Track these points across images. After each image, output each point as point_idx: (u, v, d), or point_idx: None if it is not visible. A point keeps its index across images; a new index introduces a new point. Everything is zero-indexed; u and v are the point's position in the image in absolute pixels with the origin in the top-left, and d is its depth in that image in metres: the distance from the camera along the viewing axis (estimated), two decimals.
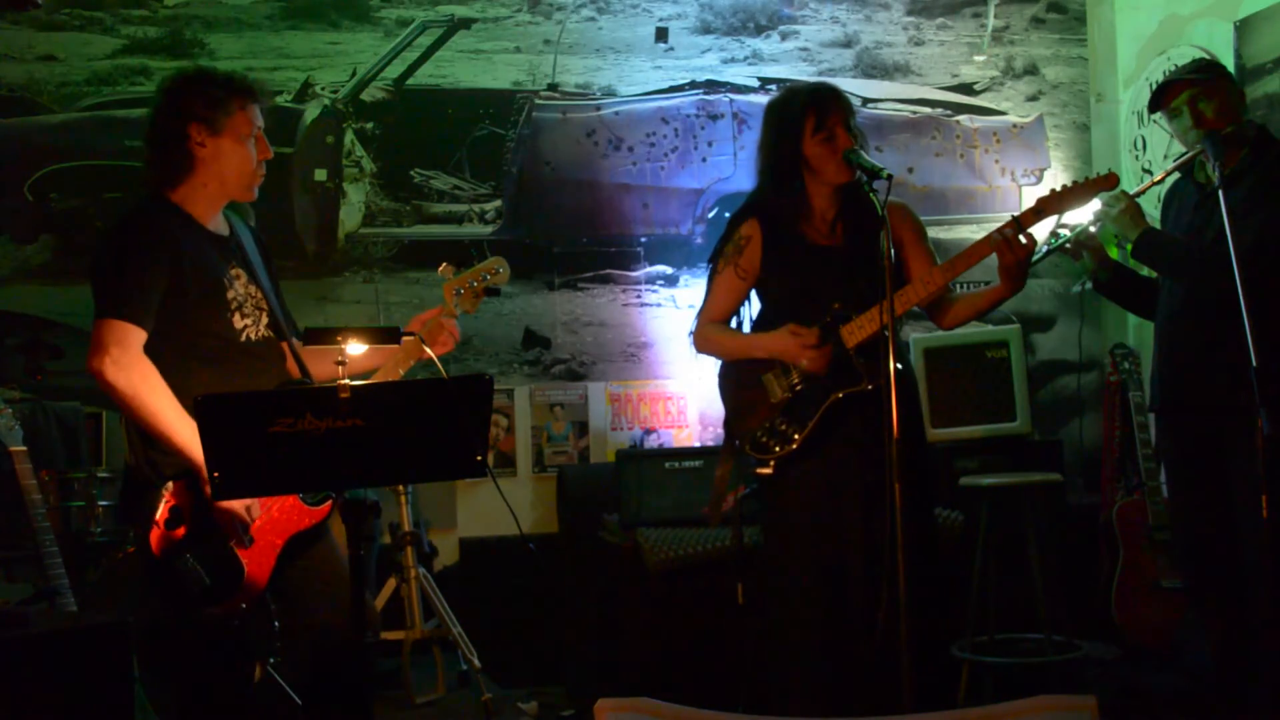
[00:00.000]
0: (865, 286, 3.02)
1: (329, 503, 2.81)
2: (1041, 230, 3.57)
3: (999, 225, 3.00)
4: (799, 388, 3.07)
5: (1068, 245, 3.54)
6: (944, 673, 3.86)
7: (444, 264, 3.06)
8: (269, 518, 2.72)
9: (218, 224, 2.87)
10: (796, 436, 3.04)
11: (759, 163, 3.22)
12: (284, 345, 2.92)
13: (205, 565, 2.62)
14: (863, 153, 3.02)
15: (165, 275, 2.70)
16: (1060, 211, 3.07)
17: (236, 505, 2.64)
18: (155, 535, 2.59)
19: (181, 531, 2.60)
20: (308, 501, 2.77)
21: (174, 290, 2.71)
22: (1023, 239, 2.95)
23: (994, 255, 3.01)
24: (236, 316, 2.81)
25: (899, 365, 2.76)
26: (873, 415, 2.93)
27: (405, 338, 2.87)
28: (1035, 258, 3.62)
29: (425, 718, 4.20)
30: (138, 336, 2.65)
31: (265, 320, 2.87)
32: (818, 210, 3.17)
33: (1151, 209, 3.84)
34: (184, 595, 2.62)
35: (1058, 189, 3.02)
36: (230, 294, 2.80)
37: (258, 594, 2.71)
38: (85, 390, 4.14)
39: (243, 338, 2.81)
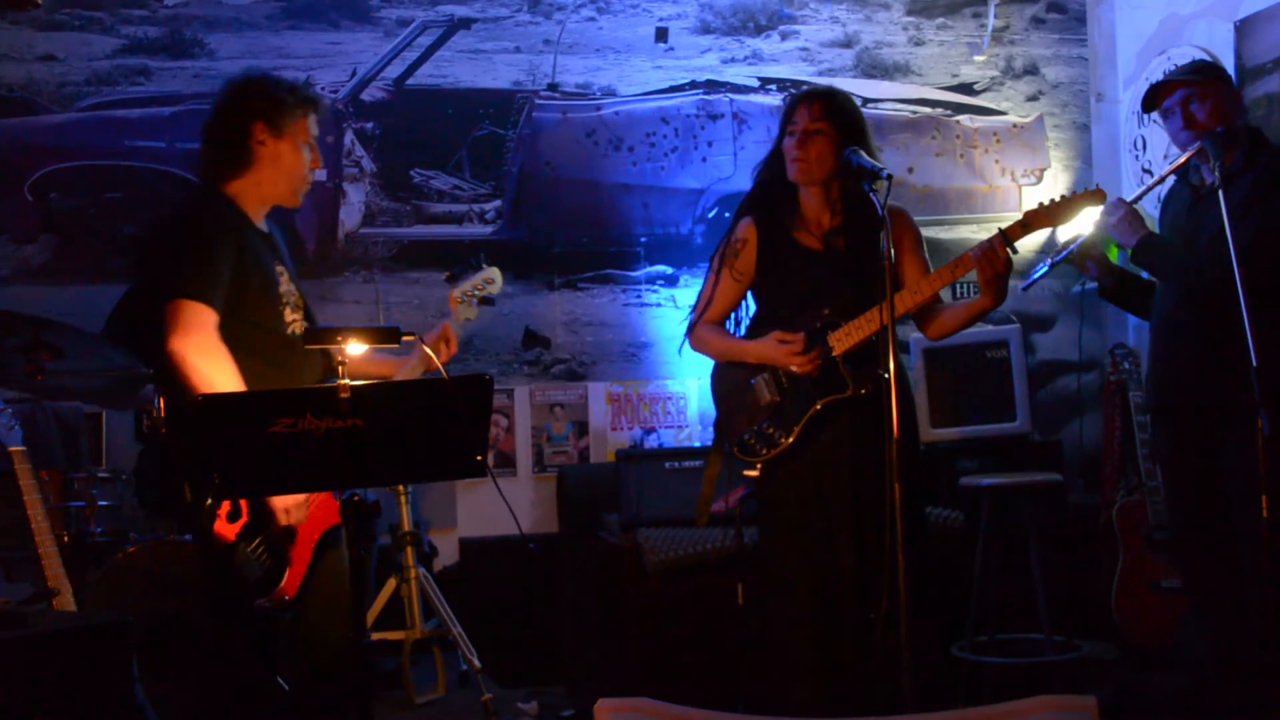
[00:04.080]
0: (857, 292, 3.04)
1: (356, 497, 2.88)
2: (1040, 235, 3.58)
3: (992, 233, 3.01)
4: (786, 392, 3.09)
5: (1072, 257, 3.54)
6: (943, 672, 3.86)
7: (447, 273, 3.21)
8: (307, 513, 2.78)
9: (262, 223, 2.97)
10: (783, 440, 3.06)
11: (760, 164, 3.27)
12: None
13: (259, 557, 2.70)
14: (863, 153, 3.03)
15: (230, 263, 2.77)
16: (1048, 226, 3.08)
17: (286, 500, 2.70)
18: (218, 527, 2.65)
19: (240, 524, 2.66)
20: (339, 497, 2.82)
21: (236, 280, 2.77)
22: (1000, 253, 2.95)
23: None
24: (287, 310, 2.89)
25: (885, 374, 2.75)
26: (862, 419, 2.95)
27: (413, 339, 2.89)
28: (1039, 273, 3.64)
29: (425, 718, 4.20)
30: (213, 318, 2.71)
31: (303, 316, 2.96)
32: (812, 213, 3.18)
33: (1153, 211, 3.84)
34: (241, 586, 2.69)
35: (1045, 203, 3.04)
36: (281, 288, 2.89)
37: (299, 586, 2.77)
38: (85, 390, 4.14)
39: (289, 331, 2.89)
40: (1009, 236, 2.98)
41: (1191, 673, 3.93)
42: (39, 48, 4.85)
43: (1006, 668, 4.03)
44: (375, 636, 4.21)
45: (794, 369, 3.05)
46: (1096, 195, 3.05)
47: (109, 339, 3.90)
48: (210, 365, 2.66)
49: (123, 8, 4.92)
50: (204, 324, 2.69)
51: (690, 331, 3.29)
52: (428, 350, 2.90)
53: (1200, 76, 3.41)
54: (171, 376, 2.69)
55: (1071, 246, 3.52)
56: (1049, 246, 3.65)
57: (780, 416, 3.09)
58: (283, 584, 2.73)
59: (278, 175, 2.89)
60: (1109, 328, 5.49)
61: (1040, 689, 3.60)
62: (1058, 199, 3.04)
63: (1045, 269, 3.63)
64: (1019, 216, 3.07)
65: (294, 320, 2.91)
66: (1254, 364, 2.92)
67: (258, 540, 2.70)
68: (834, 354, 3.03)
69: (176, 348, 2.66)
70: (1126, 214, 3.43)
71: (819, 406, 3.04)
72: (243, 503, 2.66)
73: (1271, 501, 2.93)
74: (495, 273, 3.23)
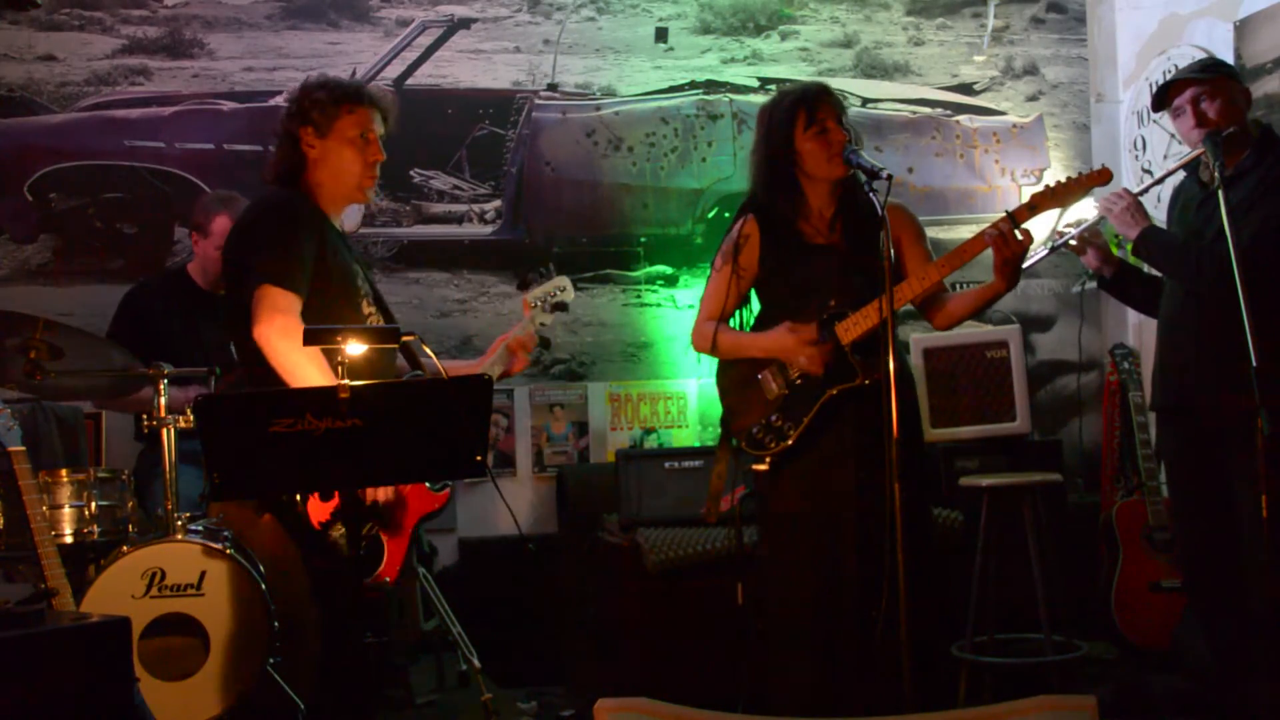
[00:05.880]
0: (862, 284, 3.04)
1: (447, 490, 2.97)
2: (1042, 227, 3.57)
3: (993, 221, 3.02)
4: (798, 382, 3.09)
5: (1072, 242, 3.54)
6: (944, 673, 3.86)
7: (518, 280, 3.37)
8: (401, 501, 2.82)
9: (338, 221, 3.05)
10: (792, 433, 3.06)
11: (753, 162, 3.24)
12: None
13: (354, 538, 2.68)
14: (861, 152, 3.03)
15: (312, 254, 2.84)
16: (1055, 207, 3.07)
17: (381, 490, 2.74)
18: (310, 508, 2.68)
19: (334, 504, 2.69)
20: (431, 487, 2.86)
21: (318, 274, 2.84)
22: (1018, 234, 2.95)
23: (989, 253, 3.02)
24: (364, 304, 2.96)
25: (890, 363, 2.76)
26: (868, 412, 2.95)
27: (413, 339, 2.91)
28: (1040, 255, 3.64)
29: (425, 718, 4.20)
30: (297, 304, 2.77)
31: (377, 310, 3.03)
32: (815, 208, 3.18)
33: (1152, 208, 3.84)
34: (337, 563, 2.70)
35: (1052, 185, 3.03)
36: (359, 283, 2.97)
37: (397, 571, 2.82)
38: (85, 390, 4.14)
39: (368, 325, 2.95)
40: (1016, 219, 2.98)
41: (1191, 673, 3.93)
42: (39, 48, 4.85)
43: (1006, 668, 4.03)
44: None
45: (803, 361, 3.05)
46: (1103, 175, 3.03)
47: (113, 340, 3.90)
48: (295, 350, 2.69)
49: (123, 8, 4.92)
50: (288, 309, 2.75)
51: (694, 330, 3.29)
52: (431, 351, 2.91)
53: (1210, 74, 3.40)
54: (258, 362, 2.76)
55: (1072, 232, 3.52)
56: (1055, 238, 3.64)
57: (788, 409, 3.08)
58: (382, 567, 2.77)
59: (333, 174, 2.98)
60: (1109, 328, 5.49)
61: (1040, 689, 3.60)
62: (1064, 180, 3.03)
63: (1045, 252, 3.63)
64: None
65: (371, 313, 2.99)
66: (1254, 364, 2.92)
67: (355, 519, 2.72)
68: (842, 343, 3.04)
69: (261, 334, 2.72)
70: (1129, 205, 3.43)
71: (835, 392, 3.04)
72: None
73: (1272, 501, 2.93)
74: (565, 280, 3.37)
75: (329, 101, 2.96)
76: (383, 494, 2.75)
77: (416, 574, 4.27)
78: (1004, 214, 3.00)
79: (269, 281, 2.75)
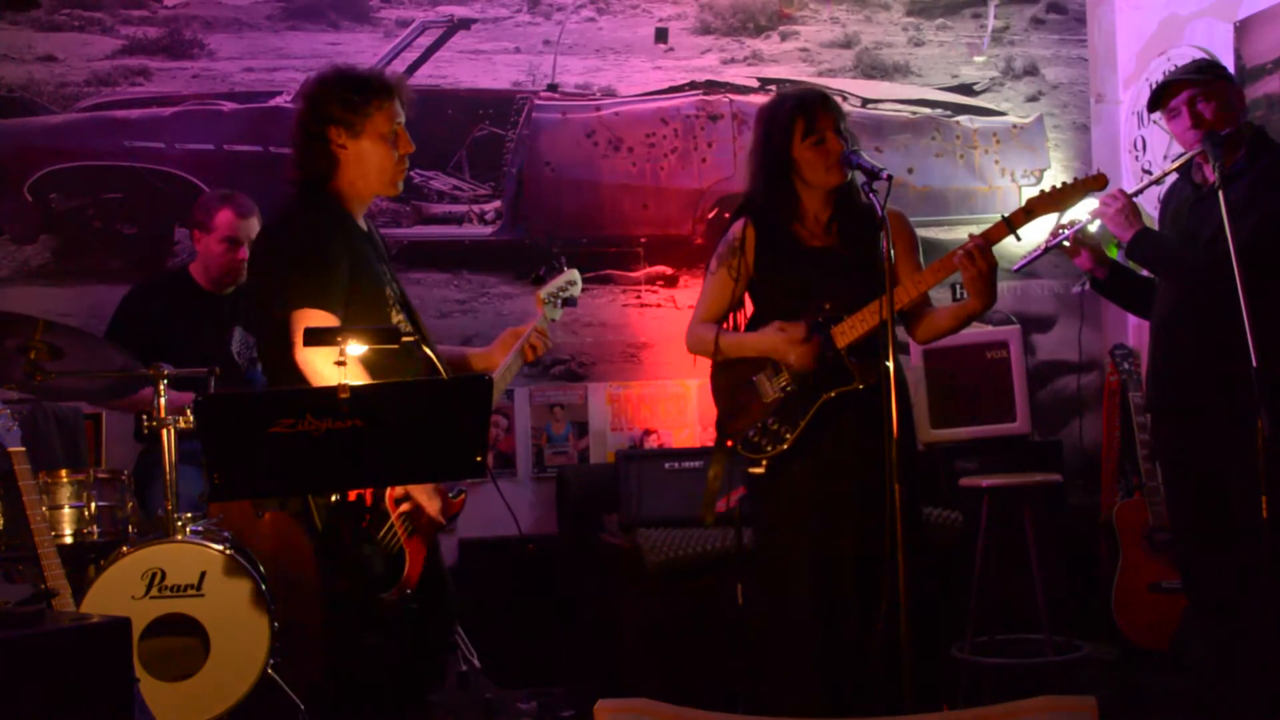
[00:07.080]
0: (857, 287, 3.04)
1: (463, 495, 2.89)
2: (1041, 229, 3.58)
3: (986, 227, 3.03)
4: (789, 389, 3.09)
5: (1067, 243, 3.55)
6: (943, 672, 3.86)
7: (533, 274, 3.25)
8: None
9: (362, 221, 2.96)
10: (788, 436, 3.07)
11: (750, 166, 3.25)
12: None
13: (379, 554, 2.68)
14: (861, 153, 3.04)
15: (347, 269, 2.76)
16: (1051, 211, 3.09)
17: (427, 501, 2.69)
18: (344, 528, 2.62)
19: (365, 521, 2.64)
20: (452, 494, 2.84)
21: (350, 288, 2.76)
22: (983, 255, 2.96)
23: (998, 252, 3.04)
24: (393, 313, 2.87)
25: (888, 364, 2.77)
26: (865, 415, 2.96)
27: (413, 340, 2.89)
28: (1033, 256, 3.65)
29: (425, 718, 4.20)
30: (335, 325, 2.69)
31: (404, 316, 2.93)
32: (810, 212, 3.19)
33: (1151, 209, 3.85)
34: (361, 579, 2.66)
35: (1048, 190, 3.05)
36: (388, 290, 2.87)
37: (414, 584, 2.76)
38: (85, 390, 4.14)
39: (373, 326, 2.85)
40: (1013, 223, 3.00)
41: (1191, 673, 3.94)
42: (39, 48, 4.85)
43: (1006, 668, 4.03)
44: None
45: (791, 360, 3.05)
46: (1099, 180, 3.06)
47: (113, 340, 3.89)
48: (339, 373, 2.64)
49: (123, 8, 4.92)
50: None
51: (688, 332, 3.29)
52: (430, 351, 2.90)
53: (1205, 76, 3.41)
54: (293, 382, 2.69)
55: (1065, 234, 3.53)
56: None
57: (785, 412, 3.09)
58: (404, 576, 2.73)
59: (365, 173, 2.90)
60: (1109, 328, 5.49)
61: (1040, 689, 3.60)
62: (1060, 185, 3.06)
63: (1038, 253, 3.64)
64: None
65: (399, 321, 2.89)
66: (1254, 364, 2.92)
67: (383, 534, 2.69)
68: (839, 346, 3.04)
69: (305, 358, 2.65)
70: (1124, 206, 3.44)
71: (833, 394, 3.04)
72: (368, 499, 2.63)
73: (1271, 501, 2.93)
74: (576, 274, 3.30)
75: (361, 101, 2.88)
76: (431, 506, 2.70)
77: None
78: (1000, 218, 3.02)
79: (309, 305, 2.69)
